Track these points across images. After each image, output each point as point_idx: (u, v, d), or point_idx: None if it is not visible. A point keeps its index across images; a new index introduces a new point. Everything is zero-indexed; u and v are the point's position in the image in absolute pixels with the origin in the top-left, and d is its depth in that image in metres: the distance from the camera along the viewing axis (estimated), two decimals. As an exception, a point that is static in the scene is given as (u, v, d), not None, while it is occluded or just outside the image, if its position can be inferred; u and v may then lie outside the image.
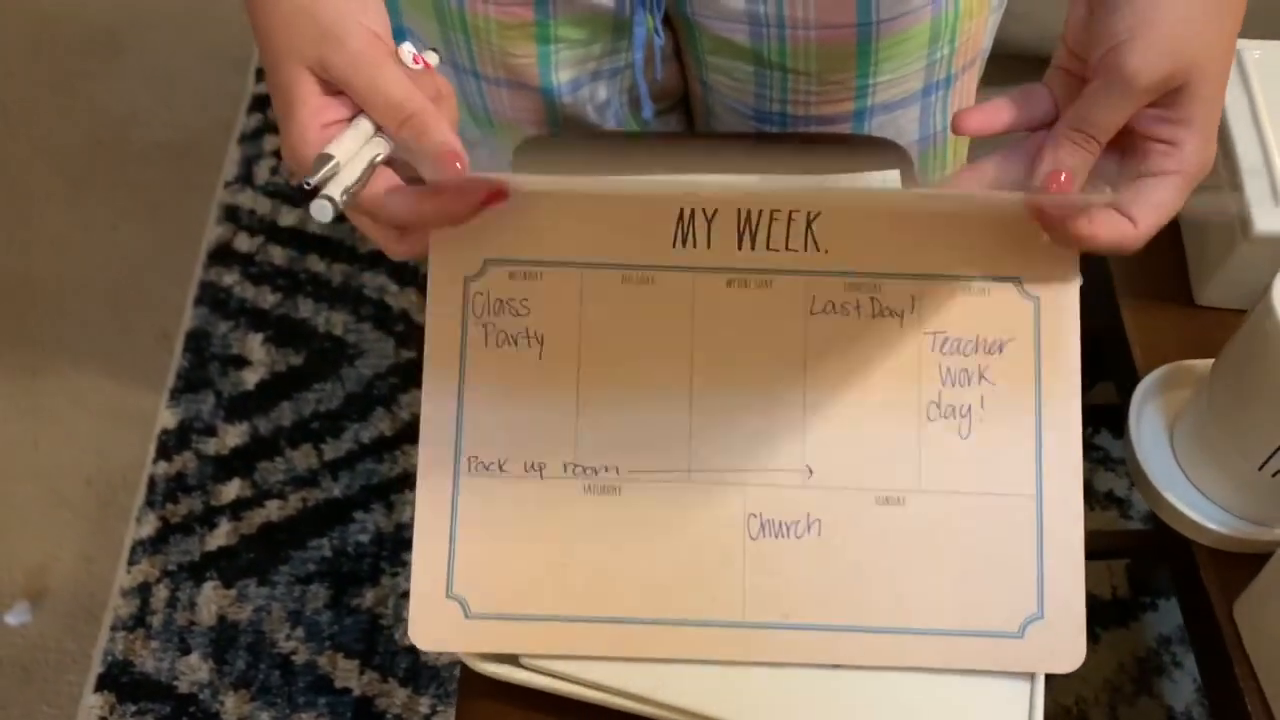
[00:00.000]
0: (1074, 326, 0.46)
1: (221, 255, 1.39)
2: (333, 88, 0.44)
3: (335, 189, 0.42)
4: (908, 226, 0.47)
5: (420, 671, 1.09)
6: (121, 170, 1.49)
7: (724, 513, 0.47)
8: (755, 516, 0.47)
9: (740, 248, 0.47)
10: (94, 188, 1.47)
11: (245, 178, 1.46)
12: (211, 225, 1.42)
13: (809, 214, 0.47)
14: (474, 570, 0.46)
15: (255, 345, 1.32)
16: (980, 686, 0.47)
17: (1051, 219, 0.43)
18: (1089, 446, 1.21)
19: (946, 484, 0.46)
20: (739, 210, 0.47)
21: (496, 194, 0.45)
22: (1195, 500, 0.54)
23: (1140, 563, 1.13)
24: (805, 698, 0.47)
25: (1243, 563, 0.52)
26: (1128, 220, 0.42)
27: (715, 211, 0.47)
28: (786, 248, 0.47)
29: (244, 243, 1.40)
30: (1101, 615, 1.14)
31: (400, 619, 1.12)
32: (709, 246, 0.47)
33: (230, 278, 1.37)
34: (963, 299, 0.47)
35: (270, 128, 1.51)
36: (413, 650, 1.10)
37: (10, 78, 1.60)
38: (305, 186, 0.41)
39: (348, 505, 1.20)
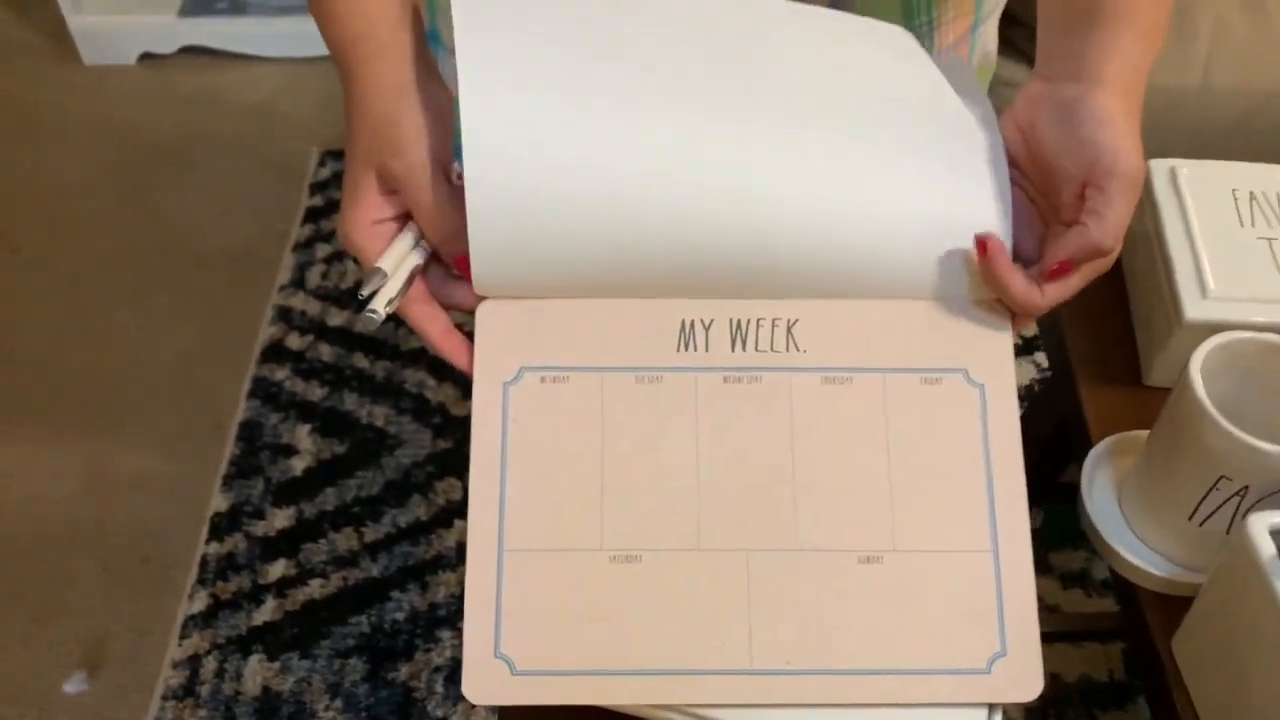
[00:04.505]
0: (1014, 408, 0.55)
1: (274, 352, 1.50)
2: (389, 188, 0.54)
3: (380, 301, 0.53)
4: (873, 330, 0.56)
5: (450, 741, 1.15)
6: (184, 275, 1.61)
7: (730, 577, 0.54)
8: (757, 578, 0.54)
9: (733, 350, 0.56)
10: (159, 290, 1.59)
11: (298, 282, 1.58)
12: (265, 325, 1.53)
13: (789, 320, 0.56)
14: (518, 633, 0.54)
15: (303, 435, 1.41)
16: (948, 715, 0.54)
17: (995, 265, 0.53)
18: (1084, 537, 1.28)
19: (917, 544, 0.54)
20: (730, 319, 0.56)
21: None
22: (1140, 550, 0.62)
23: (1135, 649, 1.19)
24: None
25: (1180, 604, 0.59)
26: (1040, 292, 0.52)
27: (712, 320, 0.56)
28: (772, 349, 0.56)
29: (295, 341, 1.51)
30: (1100, 698, 1.19)
31: (433, 692, 1.19)
32: (707, 350, 0.56)
33: (282, 373, 1.48)
34: (920, 387, 0.56)
35: (321, 237, 1.63)
36: (444, 721, 1.16)
37: (86, 189, 1.74)
38: (360, 296, 0.52)
39: (385, 585, 1.27)
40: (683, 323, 0.56)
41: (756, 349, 0.56)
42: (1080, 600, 1.26)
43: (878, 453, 0.55)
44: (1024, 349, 1.47)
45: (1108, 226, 0.51)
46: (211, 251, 1.64)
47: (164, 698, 1.19)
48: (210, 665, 1.21)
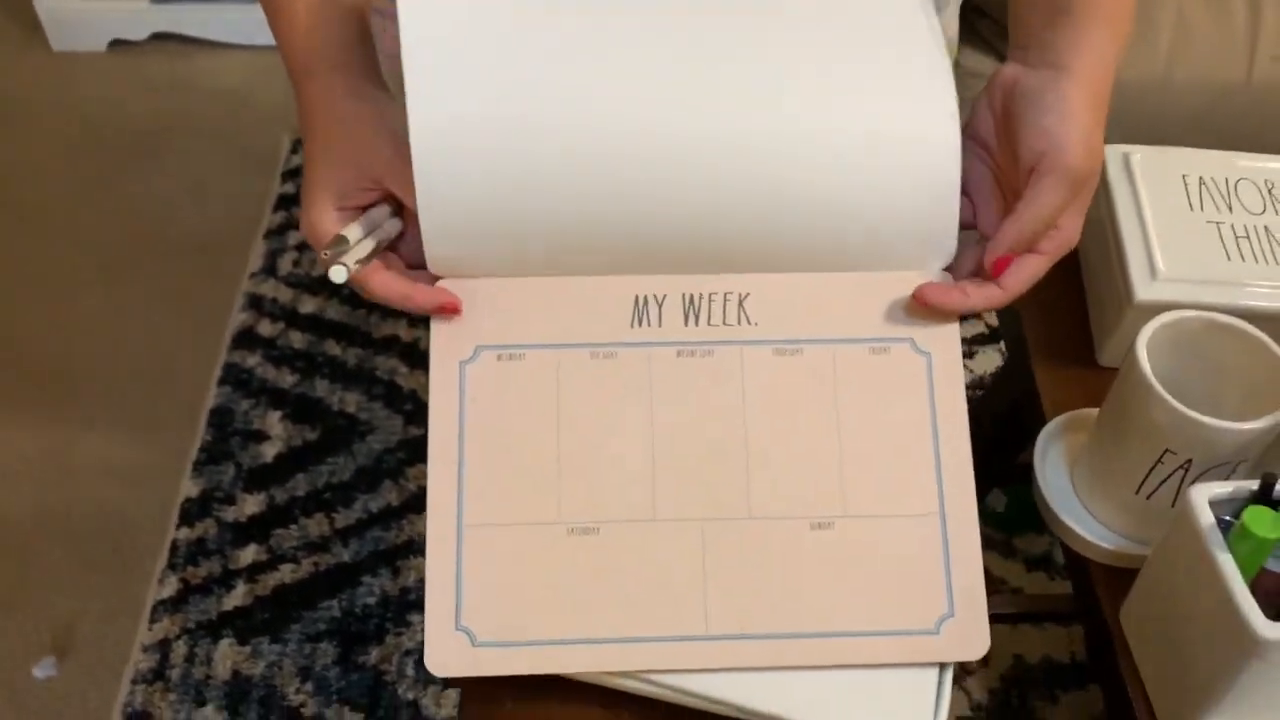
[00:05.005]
0: (959, 376, 0.57)
1: (245, 339, 1.50)
2: (355, 183, 0.55)
3: (351, 257, 0.54)
4: (822, 302, 0.57)
5: (421, 724, 1.16)
6: (155, 261, 1.61)
7: (685, 546, 0.56)
8: (713, 547, 0.56)
9: (686, 324, 0.57)
10: (128, 278, 1.58)
11: (269, 269, 1.58)
12: (236, 312, 1.53)
13: (741, 294, 0.58)
14: (478, 606, 0.55)
15: (274, 421, 1.41)
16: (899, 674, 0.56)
17: (932, 301, 0.55)
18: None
19: (867, 509, 0.56)
20: (683, 294, 0.57)
21: (450, 307, 0.56)
22: (1090, 524, 0.63)
23: (1096, 629, 1.21)
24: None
25: (1128, 577, 0.61)
26: (996, 288, 0.54)
27: (665, 296, 0.58)
28: (724, 323, 0.57)
29: (266, 328, 1.51)
30: (1062, 678, 1.21)
31: (404, 675, 1.20)
32: (661, 325, 0.57)
33: (253, 360, 1.48)
34: (869, 357, 0.57)
35: (293, 224, 1.63)
36: (414, 704, 1.17)
37: (54, 176, 1.73)
38: (323, 256, 0.53)
39: (356, 570, 1.28)
40: (636, 298, 0.57)
41: (709, 323, 0.58)
42: (1043, 583, 1.28)
43: (828, 422, 0.57)
44: (990, 338, 1.49)
45: (1034, 211, 0.53)
46: (182, 238, 1.63)
47: (134, 682, 1.19)
48: (180, 649, 1.22)
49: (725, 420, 0.57)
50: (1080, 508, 0.64)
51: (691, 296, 0.58)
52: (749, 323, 0.58)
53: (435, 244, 0.55)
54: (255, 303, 1.54)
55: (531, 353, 0.57)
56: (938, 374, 0.57)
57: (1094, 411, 0.66)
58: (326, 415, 1.42)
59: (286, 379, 1.46)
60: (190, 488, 1.35)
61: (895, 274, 0.57)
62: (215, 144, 1.77)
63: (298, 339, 1.50)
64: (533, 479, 0.56)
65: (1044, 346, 0.74)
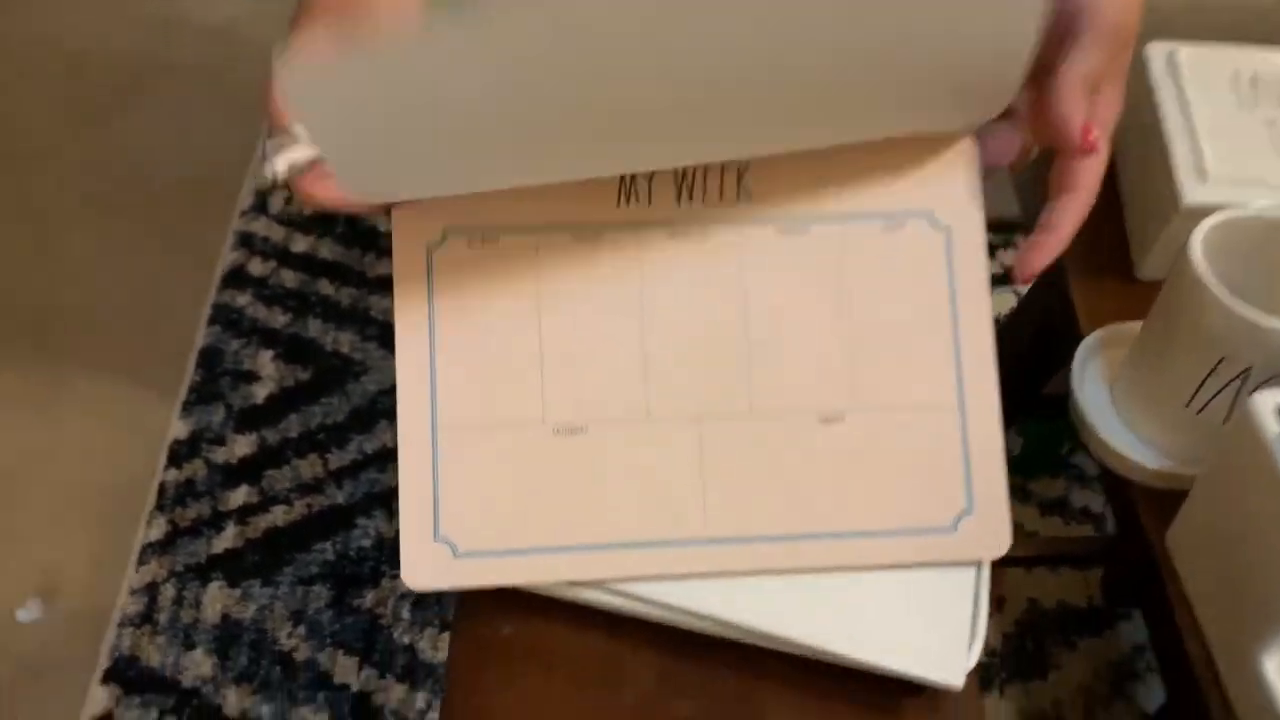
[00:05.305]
0: (982, 253, 0.51)
1: (236, 278, 1.45)
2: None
3: (285, 159, 0.46)
4: (831, 173, 0.51)
5: (417, 668, 1.12)
6: (143, 201, 1.56)
7: (682, 444, 0.51)
8: (711, 445, 0.51)
9: (679, 202, 0.52)
10: (116, 216, 1.54)
11: (260, 207, 1.53)
12: (227, 251, 1.48)
13: (739, 167, 0.52)
14: (458, 514, 0.50)
15: (266, 362, 1.37)
16: (928, 581, 0.51)
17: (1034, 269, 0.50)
18: (1066, 464, 1.26)
19: (879, 401, 0.51)
20: (675, 169, 0.51)
21: None
22: (1133, 444, 0.59)
23: (1114, 574, 1.17)
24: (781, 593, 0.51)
25: (1174, 499, 0.57)
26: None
27: (654, 171, 0.52)
28: (721, 200, 0.52)
29: (257, 267, 1.46)
30: (1078, 624, 1.17)
31: (400, 618, 1.16)
32: (650, 203, 0.51)
33: (243, 299, 1.43)
34: (881, 235, 0.52)
35: (285, 161, 1.58)
36: (411, 648, 1.13)
37: (38, 113, 1.68)
38: (261, 155, 0.47)
39: (350, 512, 1.24)
40: (623, 174, 0.52)
41: (704, 200, 0.52)
42: (1059, 527, 1.24)
43: (837, 307, 0.52)
44: (1002, 279, 1.44)
45: (1076, 70, 0.47)
46: (171, 177, 1.58)
47: (120, 625, 1.15)
48: (169, 592, 1.18)
49: (723, 308, 0.52)
50: (1122, 427, 0.60)
51: (685, 171, 0.52)
52: (749, 200, 0.52)
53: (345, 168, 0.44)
54: (246, 241, 1.49)
55: (507, 236, 0.52)
56: (957, 251, 0.52)
57: (1136, 325, 0.62)
58: (319, 355, 1.37)
59: (278, 318, 1.41)
60: (179, 428, 1.31)
61: (911, 141, 0.51)
62: (204, 81, 1.71)
63: (290, 278, 1.45)
64: (512, 375, 0.51)
65: (1079, 261, 0.69)
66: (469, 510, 0.51)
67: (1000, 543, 0.51)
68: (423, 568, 0.50)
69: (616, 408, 0.51)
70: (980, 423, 0.51)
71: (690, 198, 0.52)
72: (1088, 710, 1.10)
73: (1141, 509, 0.59)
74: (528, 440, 0.51)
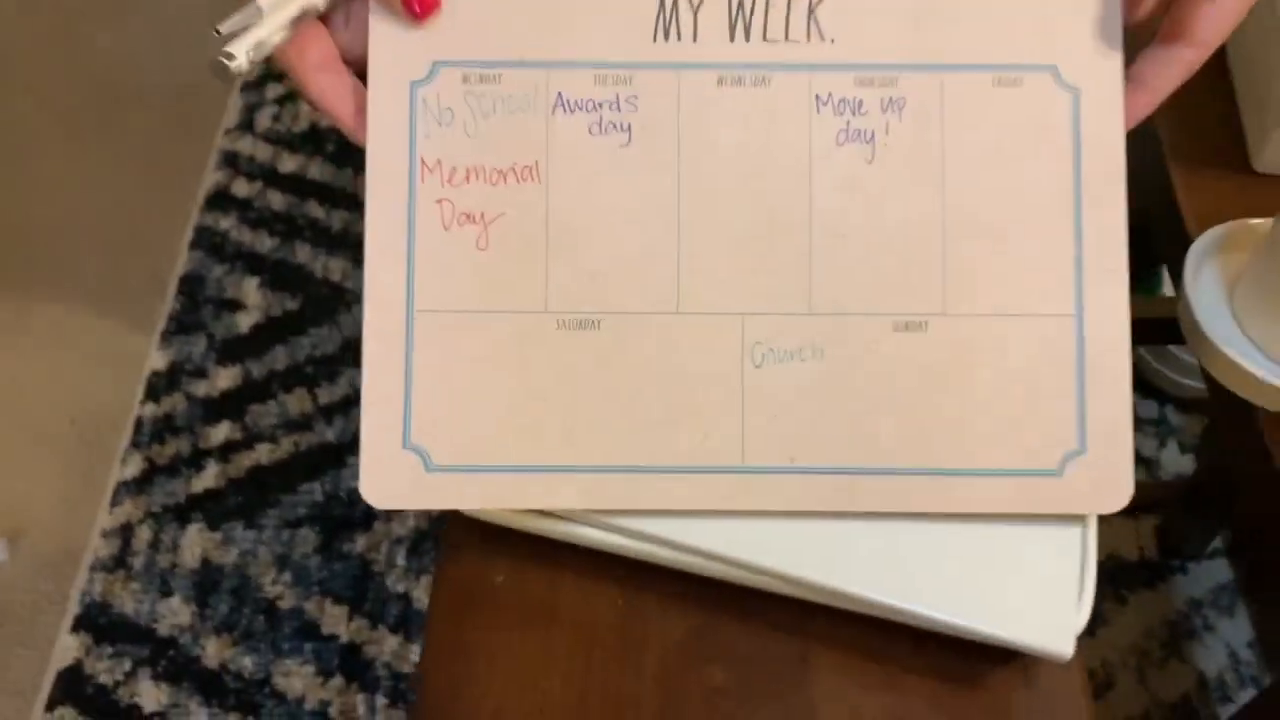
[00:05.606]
0: (1118, 122, 0.40)
1: (219, 200, 1.35)
2: None
3: (243, 45, 0.37)
4: (927, 8, 0.41)
5: (412, 618, 1.03)
6: (121, 115, 1.45)
7: (719, 344, 0.41)
8: (758, 345, 0.41)
9: (732, 39, 0.41)
10: (93, 133, 1.44)
11: (246, 124, 1.42)
12: (210, 171, 1.38)
13: None
14: (434, 418, 0.41)
15: (250, 289, 1.27)
16: (1026, 533, 0.42)
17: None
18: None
19: (975, 305, 0.41)
20: None
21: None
22: (1258, 359, 0.49)
23: (1169, 525, 1.08)
24: (826, 543, 0.41)
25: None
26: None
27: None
28: (786, 38, 0.41)
29: (242, 188, 1.36)
30: (1129, 578, 1.08)
31: (394, 565, 1.07)
32: (695, 39, 0.41)
33: (227, 222, 1.33)
34: (991, 92, 0.41)
35: (273, 75, 1.47)
36: (405, 597, 1.05)
37: (10, 26, 1.57)
38: (216, 34, 0.37)
39: (340, 451, 1.15)
40: (662, 1, 0.41)
41: (765, 38, 0.41)
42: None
43: (928, 182, 0.41)
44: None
45: None
46: (150, 90, 1.48)
47: (92, 569, 1.07)
48: (144, 535, 1.09)
49: (782, 177, 0.41)
50: (1244, 340, 0.50)
51: (740, 0, 0.42)
52: (822, 39, 0.41)
53: None
54: (230, 160, 1.39)
55: (511, 73, 0.41)
56: (1087, 118, 0.41)
57: (1261, 222, 0.51)
58: (308, 283, 1.27)
59: (264, 243, 1.31)
60: (157, 360, 1.21)
61: None
62: (187, -11, 1.60)
63: (277, 200, 1.35)
64: (510, 251, 0.41)
65: (1182, 149, 0.58)
66: (447, 414, 0.41)
67: (1120, 493, 0.41)
68: (387, 482, 0.41)
69: (638, 298, 0.41)
70: (1103, 338, 0.41)
71: (747, 34, 0.41)
72: (1139, 671, 1.01)
73: (1270, 438, 0.49)
74: (525, 332, 0.41)
